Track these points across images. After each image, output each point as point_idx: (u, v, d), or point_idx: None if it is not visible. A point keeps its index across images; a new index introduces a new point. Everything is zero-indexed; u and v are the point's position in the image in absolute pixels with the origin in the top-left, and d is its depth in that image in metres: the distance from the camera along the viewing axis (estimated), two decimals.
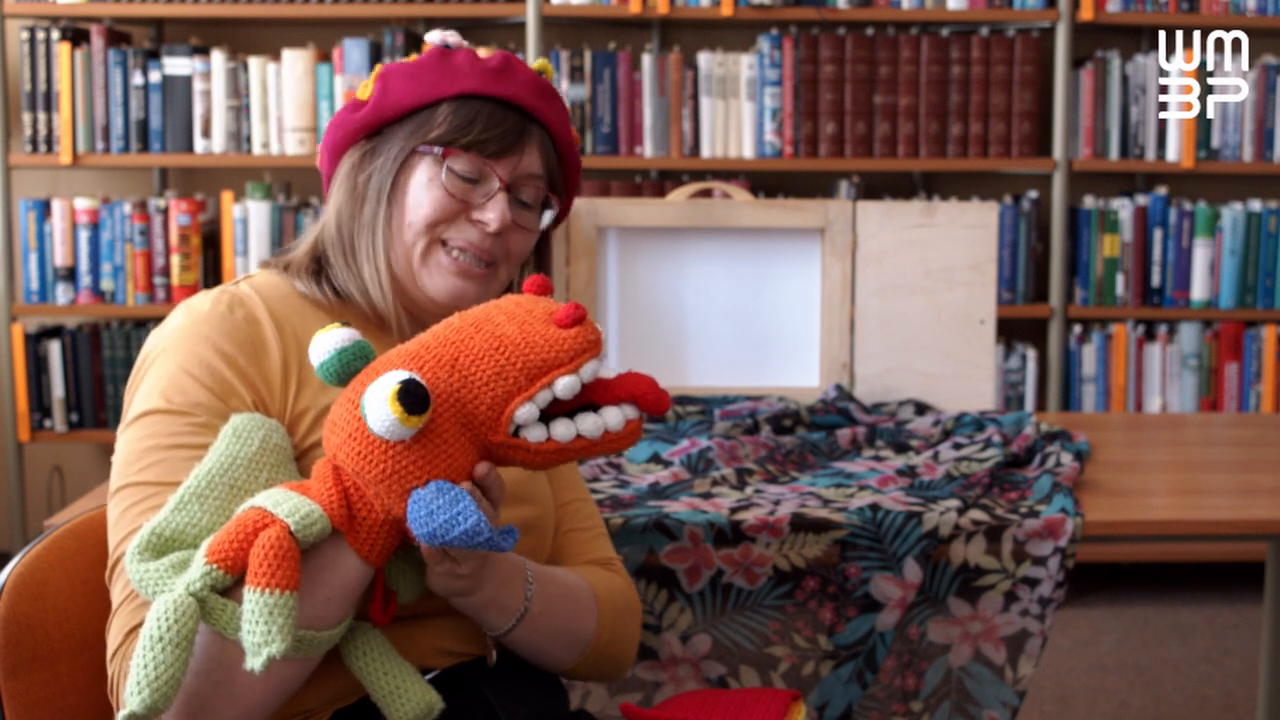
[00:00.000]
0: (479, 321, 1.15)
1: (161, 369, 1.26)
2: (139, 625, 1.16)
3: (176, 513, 1.14)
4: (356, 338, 1.17)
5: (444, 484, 1.10)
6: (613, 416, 1.15)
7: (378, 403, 1.09)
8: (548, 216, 1.40)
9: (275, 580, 1.06)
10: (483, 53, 1.40)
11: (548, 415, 1.15)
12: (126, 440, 1.25)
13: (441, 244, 1.34)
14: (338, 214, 1.36)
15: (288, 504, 1.10)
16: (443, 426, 1.12)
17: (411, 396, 1.09)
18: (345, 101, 1.40)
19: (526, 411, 1.12)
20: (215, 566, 1.08)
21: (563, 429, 1.14)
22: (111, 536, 1.23)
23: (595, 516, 1.50)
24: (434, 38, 1.38)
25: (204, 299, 1.31)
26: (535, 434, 1.14)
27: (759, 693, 1.30)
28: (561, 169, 1.41)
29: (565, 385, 1.13)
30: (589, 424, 1.15)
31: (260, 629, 1.05)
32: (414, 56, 1.39)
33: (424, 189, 1.33)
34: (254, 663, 1.05)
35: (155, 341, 1.29)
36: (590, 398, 1.15)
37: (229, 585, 1.10)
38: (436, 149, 1.32)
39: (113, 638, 1.20)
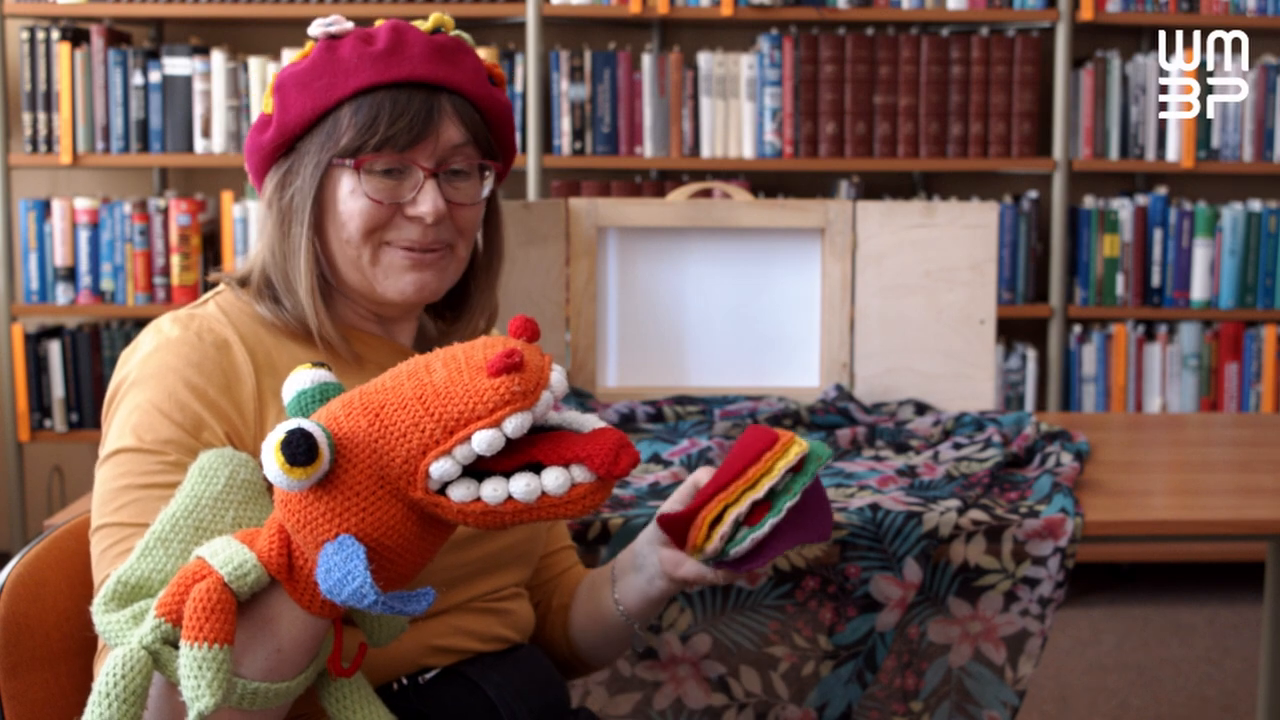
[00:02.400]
0: (416, 368, 1.07)
1: (133, 403, 1.24)
2: None
3: (142, 559, 1.13)
4: (321, 379, 1.11)
5: (346, 539, 1.04)
6: (552, 479, 1.03)
7: (268, 452, 1.03)
8: (488, 183, 1.35)
9: (204, 634, 1.03)
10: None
11: (485, 472, 1.04)
12: (102, 478, 1.24)
13: (387, 245, 1.30)
14: (270, 240, 1.32)
15: (223, 554, 1.08)
16: (356, 478, 1.04)
17: (293, 448, 1.02)
18: (255, 119, 1.34)
19: (442, 467, 1.02)
20: (164, 620, 1.07)
21: (492, 489, 1.03)
22: (94, 576, 1.22)
23: (567, 532, 1.55)
24: (316, 30, 1.31)
25: (173, 324, 1.28)
26: (460, 493, 1.03)
27: (753, 432, 1.31)
28: (488, 125, 1.34)
29: (484, 440, 1.01)
30: (521, 485, 1.03)
31: (191, 684, 1.03)
32: (309, 48, 1.32)
33: (349, 200, 1.28)
34: (190, 718, 1.03)
35: (126, 370, 1.27)
36: (537, 455, 1.04)
37: (179, 637, 1.08)
38: (349, 161, 1.28)
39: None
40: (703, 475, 1.32)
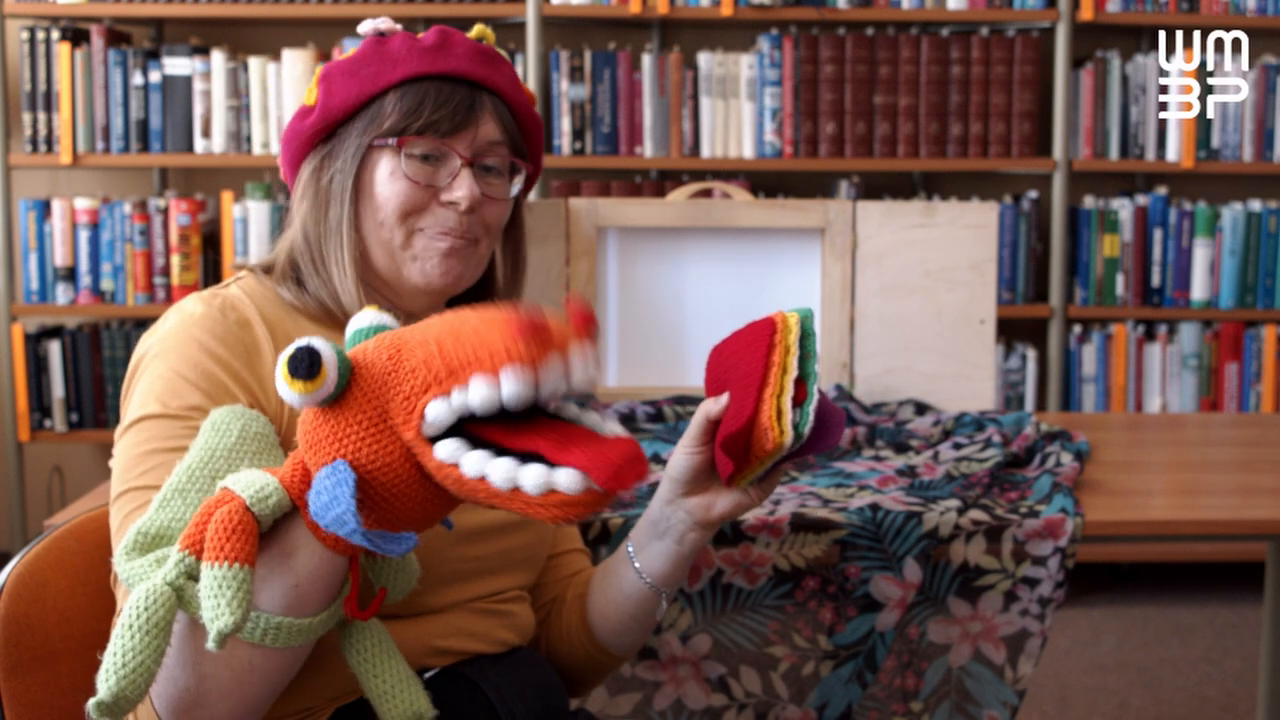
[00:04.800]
0: (451, 314, 1.05)
1: (155, 373, 1.25)
2: None
3: (160, 510, 1.13)
4: (379, 321, 1.12)
5: (340, 465, 1.03)
6: (531, 475, 0.97)
7: (278, 365, 1.04)
8: (517, 183, 1.39)
9: (225, 554, 1.03)
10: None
11: (489, 445, 1.01)
12: (124, 446, 1.25)
13: (419, 232, 1.34)
14: (304, 222, 1.36)
15: (246, 479, 1.08)
16: (364, 407, 1.04)
17: (296, 362, 1.03)
18: (295, 110, 1.39)
19: (436, 409, 1.00)
20: (187, 553, 1.06)
21: (471, 460, 0.99)
22: (113, 543, 1.22)
23: (579, 535, 1.55)
24: (366, 27, 1.37)
25: (195, 302, 1.30)
26: (443, 451, 1.00)
27: (749, 328, 1.30)
28: (521, 130, 1.40)
29: (480, 390, 0.98)
30: (501, 469, 0.98)
31: (211, 604, 1.02)
32: (352, 51, 1.37)
33: (388, 182, 1.32)
34: (209, 641, 1.02)
35: (148, 345, 1.29)
36: (542, 445, 0.99)
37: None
38: (391, 140, 1.32)
39: None
40: (711, 405, 1.29)
